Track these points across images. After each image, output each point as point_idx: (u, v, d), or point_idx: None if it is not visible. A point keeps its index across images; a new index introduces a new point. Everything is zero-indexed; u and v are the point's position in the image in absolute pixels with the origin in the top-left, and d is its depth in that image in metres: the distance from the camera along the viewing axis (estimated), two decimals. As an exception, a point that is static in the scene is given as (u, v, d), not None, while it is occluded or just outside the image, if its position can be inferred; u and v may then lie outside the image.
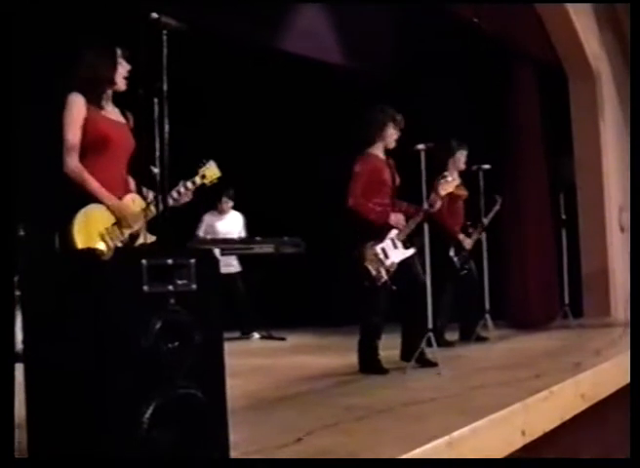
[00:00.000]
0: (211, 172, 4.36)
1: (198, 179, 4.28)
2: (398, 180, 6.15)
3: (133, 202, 4.10)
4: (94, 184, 3.97)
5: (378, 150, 6.11)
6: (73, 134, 3.98)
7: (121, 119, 4.21)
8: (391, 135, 6.09)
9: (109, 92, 4.15)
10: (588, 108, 10.10)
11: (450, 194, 6.57)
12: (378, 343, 5.89)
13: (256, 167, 9.96)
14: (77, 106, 3.99)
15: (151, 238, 4.01)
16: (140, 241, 4.06)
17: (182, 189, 4.18)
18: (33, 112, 7.12)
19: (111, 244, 3.93)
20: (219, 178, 4.38)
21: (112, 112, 4.18)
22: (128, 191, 4.16)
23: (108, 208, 3.99)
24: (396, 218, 5.98)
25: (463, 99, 9.48)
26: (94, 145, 4.02)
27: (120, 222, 4.02)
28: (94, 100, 4.07)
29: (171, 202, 4.11)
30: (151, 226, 4.05)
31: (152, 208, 4.02)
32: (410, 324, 6.00)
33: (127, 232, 4.03)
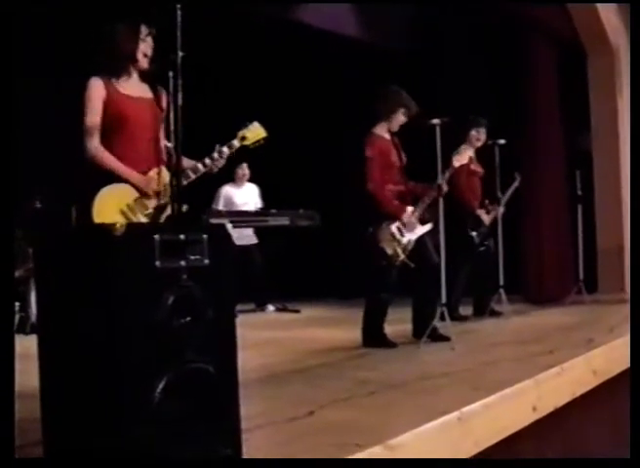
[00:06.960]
0: (253, 132, 4.22)
1: (236, 142, 4.16)
2: (405, 159, 6.13)
3: (157, 175, 4.02)
4: (112, 162, 3.99)
5: (382, 130, 6.07)
6: (92, 116, 4.01)
7: (147, 94, 4.15)
8: (398, 120, 6.04)
9: (132, 69, 4.11)
10: (606, 83, 9.99)
11: (467, 170, 6.53)
12: (384, 319, 5.90)
13: (271, 140, 9.95)
14: (95, 89, 4.02)
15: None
16: (168, 213, 4.01)
17: (216, 155, 4.09)
18: (54, 91, 7.14)
19: (134, 219, 3.92)
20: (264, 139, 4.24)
21: (136, 88, 4.13)
22: (157, 165, 4.07)
23: (131, 183, 3.99)
24: (409, 218, 5.94)
25: (481, 74, 9.44)
26: (113, 124, 4.03)
27: (144, 196, 4.01)
28: (113, 76, 4.07)
29: (202, 169, 4.05)
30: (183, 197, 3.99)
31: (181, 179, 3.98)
32: (422, 301, 5.99)
33: (151, 205, 4.02)
